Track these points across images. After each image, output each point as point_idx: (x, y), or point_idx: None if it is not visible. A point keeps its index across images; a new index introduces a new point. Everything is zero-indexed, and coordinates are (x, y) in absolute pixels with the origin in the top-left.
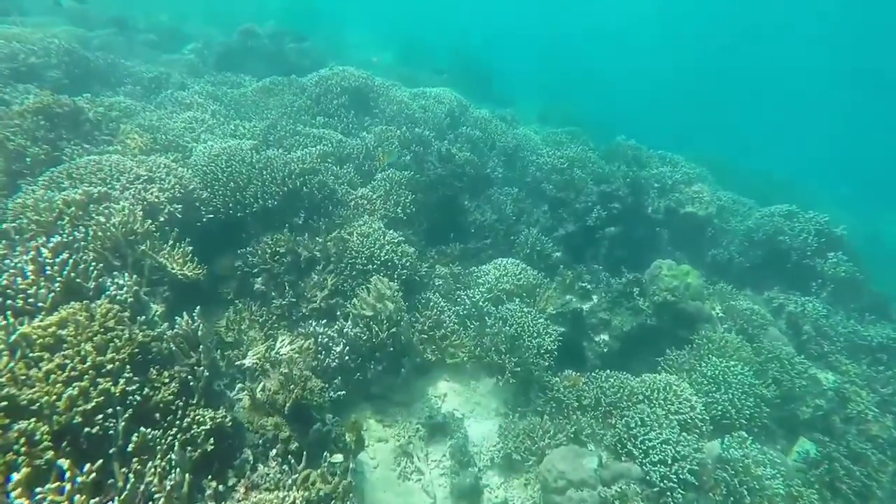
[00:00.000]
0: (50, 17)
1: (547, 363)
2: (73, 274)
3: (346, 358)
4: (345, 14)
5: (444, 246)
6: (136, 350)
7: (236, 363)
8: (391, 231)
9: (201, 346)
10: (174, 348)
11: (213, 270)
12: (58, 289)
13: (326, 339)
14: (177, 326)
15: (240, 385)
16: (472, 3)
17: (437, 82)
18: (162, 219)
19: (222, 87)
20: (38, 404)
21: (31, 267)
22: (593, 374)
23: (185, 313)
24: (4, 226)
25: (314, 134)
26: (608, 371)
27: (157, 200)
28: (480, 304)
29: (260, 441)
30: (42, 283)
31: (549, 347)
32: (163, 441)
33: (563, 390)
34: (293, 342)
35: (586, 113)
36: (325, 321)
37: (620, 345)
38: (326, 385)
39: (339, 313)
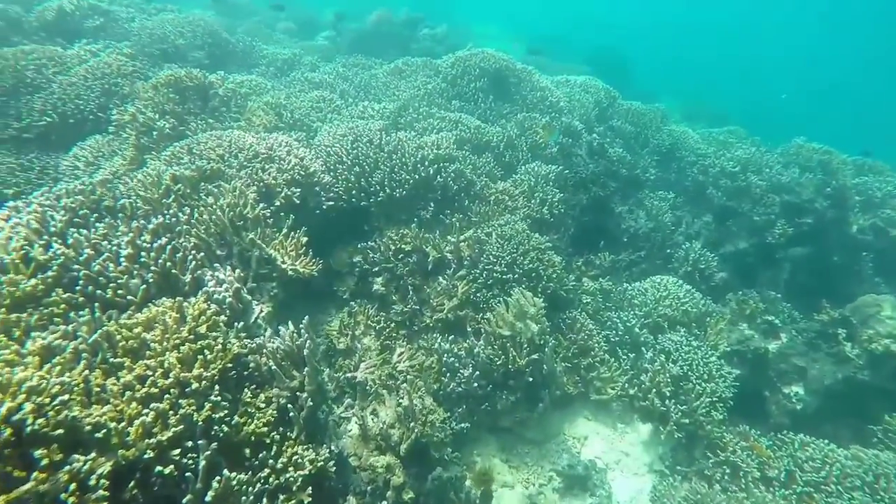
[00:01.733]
0: (202, 10)
1: (721, 415)
2: (169, 263)
3: (475, 384)
4: (477, 7)
5: (593, 255)
6: (230, 364)
7: (347, 374)
8: (536, 234)
9: (307, 368)
10: (273, 367)
11: (329, 264)
12: (151, 280)
13: (453, 359)
14: (279, 340)
15: (349, 402)
16: None
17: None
18: (278, 203)
19: (353, 69)
20: (104, 431)
21: (127, 251)
22: (781, 435)
23: (290, 323)
24: (107, 202)
25: (450, 118)
26: (803, 436)
27: (273, 182)
28: (636, 330)
29: (368, 488)
30: (136, 272)
31: (724, 395)
32: (250, 489)
33: (741, 452)
34: (413, 357)
35: (740, 111)
36: (451, 336)
37: (819, 402)
38: (448, 415)
39: (469, 328)
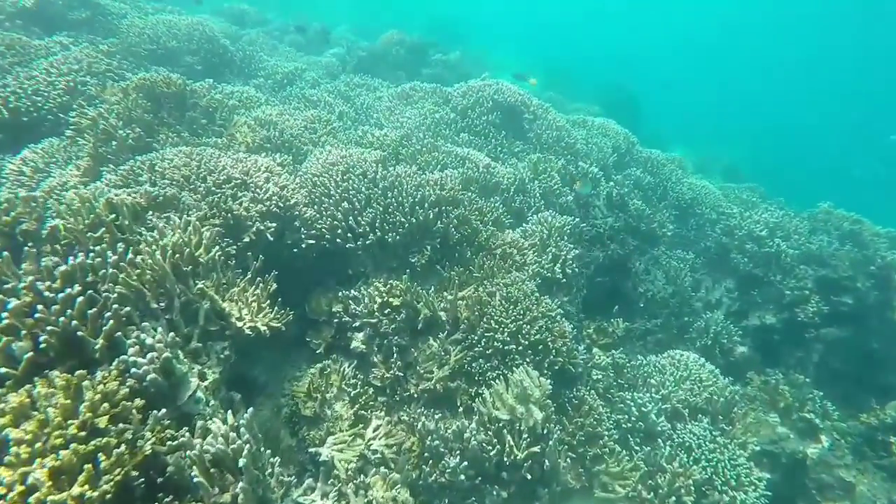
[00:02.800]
0: (210, 14)
1: None
2: (75, 321)
3: (462, 477)
4: (492, 36)
5: (605, 322)
6: (135, 473)
7: (310, 449)
8: (546, 298)
9: (243, 482)
10: (200, 479)
11: (303, 310)
12: (44, 343)
13: (438, 443)
14: (210, 440)
15: (309, 483)
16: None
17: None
18: (247, 239)
19: (357, 89)
20: None
21: (26, 298)
22: None
23: (229, 413)
24: (27, 225)
25: (457, 153)
26: None
27: (245, 214)
28: (652, 417)
29: None
30: (23, 332)
31: None
32: None
33: None
34: (391, 434)
35: (751, 163)
36: (438, 414)
37: None
38: None
39: (460, 405)
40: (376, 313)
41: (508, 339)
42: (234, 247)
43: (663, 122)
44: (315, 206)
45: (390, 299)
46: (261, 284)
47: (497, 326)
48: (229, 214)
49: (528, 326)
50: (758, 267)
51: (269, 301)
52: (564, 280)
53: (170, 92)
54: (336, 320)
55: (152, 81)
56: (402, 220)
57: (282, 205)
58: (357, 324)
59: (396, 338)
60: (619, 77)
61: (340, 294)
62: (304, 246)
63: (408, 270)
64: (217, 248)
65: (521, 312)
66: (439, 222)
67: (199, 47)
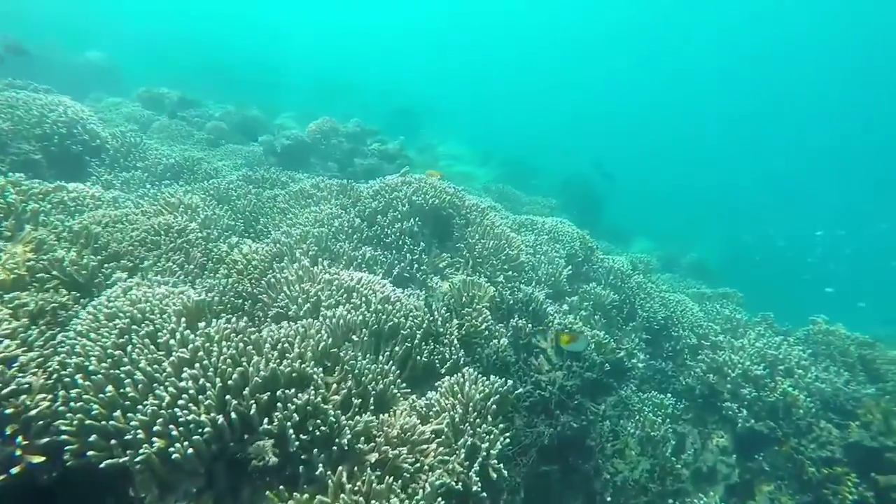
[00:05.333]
0: (137, 103)
1: None
2: None
3: None
4: (446, 127)
5: None
6: None
7: None
8: None
9: None
10: None
11: None
12: None
13: None
14: None
15: None
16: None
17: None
18: None
19: (250, 185)
20: None
21: None
22: None
23: None
24: None
25: (341, 282)
26: None
27: None
28: None
29: None
30: None
31: None
32: None
33: None
34: None
35: (718, 254)
36: None
37: None
38: None
39: None
40: None
41: None
42: None
43: (625, 211)
44: (59, 394)
45: None
46: None
47: None
48: None
49: None
50: (760, 421)
51: None
52: (486, 494)
53: None
54: None
55: None
56: (205, 419)
57: None
58: None
59: None
60: (578, 166)
61: None
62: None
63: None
64: None
65: None
66: (270, 419)
67: (51, 132)
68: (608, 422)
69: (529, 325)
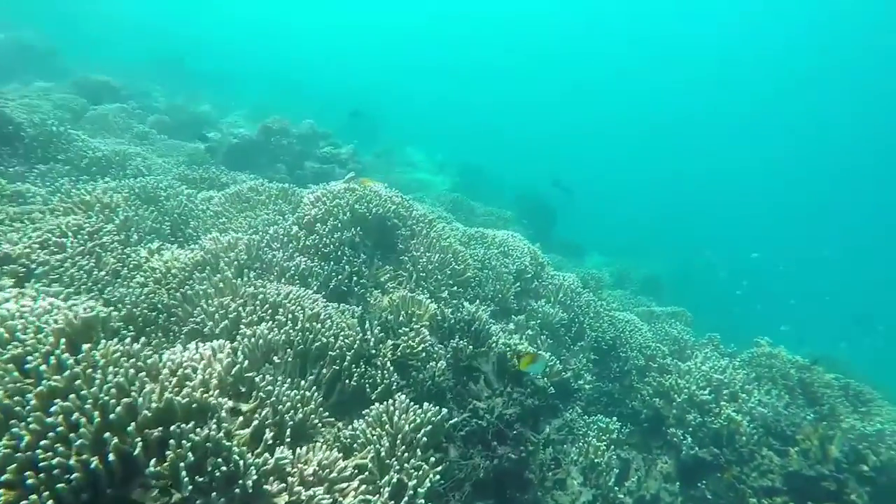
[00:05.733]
0: (72, 90)
1: None
2: None
3: None
4: (405, 133)
5: None
6: None
7: None
8: None
9: None
10: None
11: None
12: None
13: None
14: None
15: None
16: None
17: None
18: None
19: (182, 185)
20: None
21: None
22: None
23: None
24: None
25: (267, 296)
26: None
27: None
28: None
29: None
30: None
31: None
32: None
33: None
34: None
35: (671, 271)
36: None
37: None
38: None
39: None
40: None
41: None
42: None
43: (580, 224)
44: None
45: None
46: None
47: None
48: None
49: None
50: (704, 448)
51: None
52: None
53: None
54: None
55: None
56: (74, 462)
57: None
58: None
59: None
60: (536, 178)
61: None
62: None
63: None
64: None
65: None
66: (161, 459)
67: None
68: (551, 448)
69: (470, 347)
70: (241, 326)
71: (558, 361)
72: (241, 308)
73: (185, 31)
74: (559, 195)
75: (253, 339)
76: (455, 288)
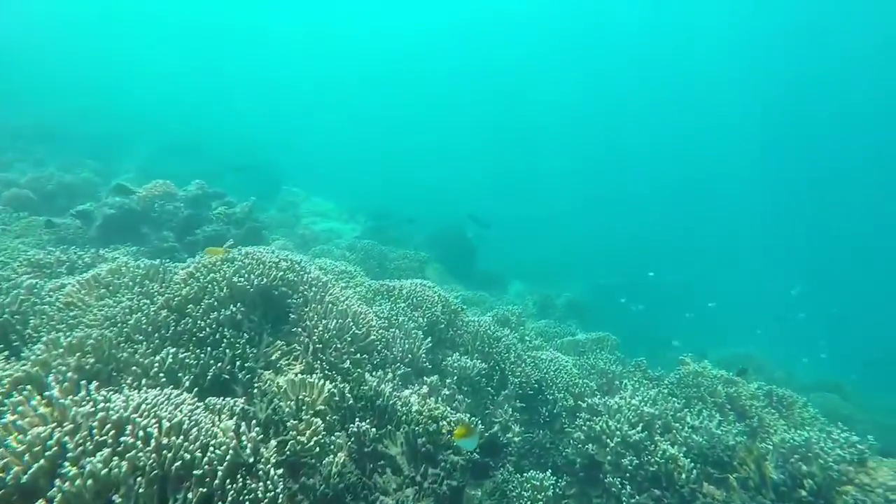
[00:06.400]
0: None
1: None
2: None
3: None
4: (312, 183)
5: None
6: None
7: None
8: None
9: None
10: None
11: None
12: None
13: None
14: None
15: None
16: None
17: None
18: None
19: (57, 268)
20: None
21: None
22: None
23: None
24: None
25: (108, 415)
26: None
27: None
28: None
29: None
30: None
31: None
32: None
33: None
34: None
35: (597, 297)
36: None
37: None
38: None
39: None
40: None
41: None
42: None
43: (499, 255)
44: None
45: None
46: None
47: None
48: None
49: None
50: (644, 492)
51: None
52: None
53: None
54: None
55: None
56: None
57: None
58: None
59: None
60: (450, 215)
61: None
62: None
63: None
64: None
65: None
66: None
67: None
68: None
69: (373, 430)
70: (66, 465)
71: (479, 422)
72: (68, 437)
73: (67, 89)
74: (477, 230)
75: (77, 483)
76: (358, 355)
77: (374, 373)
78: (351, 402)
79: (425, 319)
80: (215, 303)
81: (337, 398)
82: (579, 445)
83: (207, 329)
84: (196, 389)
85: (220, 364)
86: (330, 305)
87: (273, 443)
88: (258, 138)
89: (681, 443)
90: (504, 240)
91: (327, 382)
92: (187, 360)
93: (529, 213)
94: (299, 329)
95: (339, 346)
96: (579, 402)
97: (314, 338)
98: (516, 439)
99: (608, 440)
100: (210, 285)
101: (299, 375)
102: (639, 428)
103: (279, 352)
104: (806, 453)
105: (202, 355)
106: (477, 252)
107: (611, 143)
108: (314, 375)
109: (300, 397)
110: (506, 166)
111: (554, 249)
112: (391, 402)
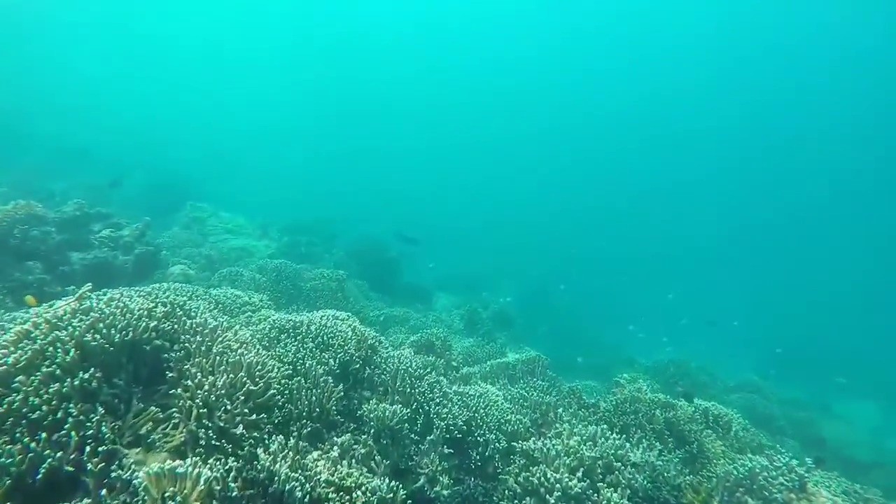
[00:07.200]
0: None
1: None
2: None
3: None
4: (220, 197)
5: None
6: None
7: None
8: None
9: None
10: None
11: None
12: None
13: None
14: None
15: None
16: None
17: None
18: None
19: None
20: None
21: None
22: None
23: None
24: None
25: None
26: None
27: None
28: None
29: None
30: None
31: None
32: None
33: None
34: None
35: (526, 304)
36: None
37: None
38: None
39: None
40: None
41: None
42: None
43: (423, 267)
44: None
45: None
46: None
47: None
48: None
49: None
50: None
51: None
52: None
53: None
54: None
55: None
56: None
57: None
58: None
59: None
60: (369, 229)
61: None
62: None
63: None
64: None
65: None
66: None
67: None
68: None
69: None
70: None
71: (397, 490)
72: None
73: None
74: (405, 248)
75: None
76: (254, 416)
77: (272, 438)
78: (236, 493)
79: (337, 361)
80: (58, 371)
81: (218, 489)
82: (516, 501)
83: (44, 408)
84: (19, 497)
85: (61, 453)
86: (218, 357)
87: None
88: (155, 148)
89: (624, 485)
90: (430, 249)
91: (205, 468)
92: (5, 461)
93: (456, 222)
94: (179, 390)
95: (230, 406)
96: (513, 443)
97: (197, 400)
98: (445, 492)
99: (548, 496)
100: (52, 348)
101: (168, 462)
102: (579, 474)
103: (152, 422)
104: (751, 486)
105: (33, 446)
106: (401, 265)
107: (543, 154)
108: (189, 458)
109: (165, 496)
110: (430, 173)
111: (480, 257)
112: (288, 486)
